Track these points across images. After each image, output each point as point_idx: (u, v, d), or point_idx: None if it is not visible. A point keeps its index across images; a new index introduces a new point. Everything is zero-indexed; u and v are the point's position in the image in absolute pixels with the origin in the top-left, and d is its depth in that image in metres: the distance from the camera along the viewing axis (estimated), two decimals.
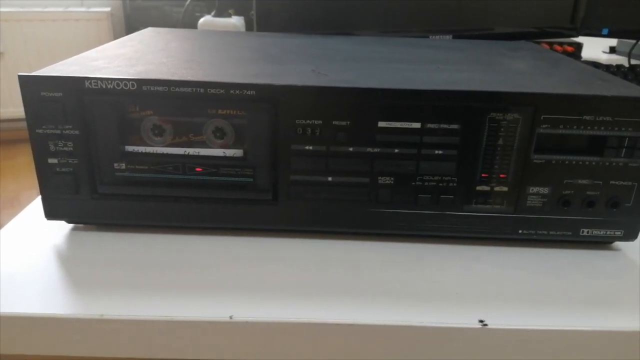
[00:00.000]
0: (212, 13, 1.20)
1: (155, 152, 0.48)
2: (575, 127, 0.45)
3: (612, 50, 1.53)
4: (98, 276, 0.43)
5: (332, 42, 0.68)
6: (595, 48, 1.51)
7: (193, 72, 0.47)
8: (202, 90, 0.44)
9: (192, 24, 1.29)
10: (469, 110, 0.45)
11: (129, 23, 3.02)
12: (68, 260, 0.46)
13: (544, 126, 0.45)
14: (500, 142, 0.45)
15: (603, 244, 0.50)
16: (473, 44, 0.70)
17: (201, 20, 1.20)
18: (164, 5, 2.92)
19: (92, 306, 0.39)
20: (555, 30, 1.13)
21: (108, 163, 0.47)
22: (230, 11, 1.24)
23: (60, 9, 3.07)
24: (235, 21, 1.22)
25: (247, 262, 0.46)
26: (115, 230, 0.50)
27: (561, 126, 0.45)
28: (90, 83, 0.44)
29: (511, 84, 0.47)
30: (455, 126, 0.45)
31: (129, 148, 0.48)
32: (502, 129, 0.45)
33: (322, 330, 0.39)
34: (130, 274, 0.43)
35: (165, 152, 0.48)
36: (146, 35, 0.68)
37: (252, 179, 0.48)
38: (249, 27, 1.24)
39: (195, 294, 0.41)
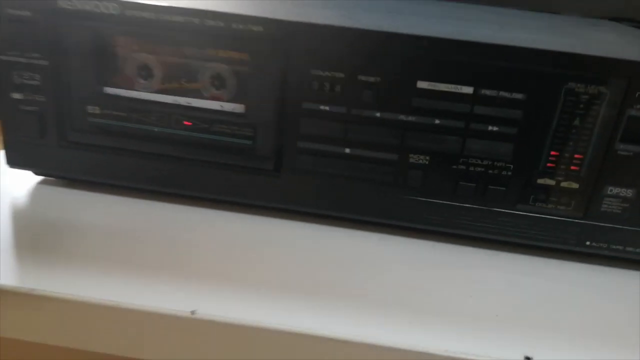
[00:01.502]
0: None
1: (138, 97, 0.39)
2: None
3: None
4: (49, 242, 0.35)
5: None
6: None
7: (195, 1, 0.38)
8: (197, 20, 0.35)
9: None
10: (539, 76, 0.34)
11: None
12: (22, 219, 0.38)
13: (638, 107, 0.33)
14: (577, 122, 0.34)
15: None
16: (544, 15, 0.58)
17: None
18: None
19: (26, 277, 0.31)
20: (635, 24, 0.99)
21: (81, 105, 0.39)
22: None
23: None
24: None
25: (233, 245, 0.36)
26: (85, 189, 0.41)
27: None
28: (64, 1, 0.35)
29: (598, 50, 0.36)
30: (518, 96, 0.34)
31: (108, 90, 0.39)
32: (581, 106, 0.34)
33: (312, 345, 0.29)
34: (87, 244, 0.35)
35: (150, 98, 0.39)
36: None
37: (251, 142, 0.38)
38: None
39: (157, 279, 0.32)
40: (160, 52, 0.38)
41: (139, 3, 0.35)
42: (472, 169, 0.36)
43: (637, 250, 0.37)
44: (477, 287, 0.34)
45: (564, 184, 0.36)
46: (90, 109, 0.39)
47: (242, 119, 0.38)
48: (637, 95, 0.33)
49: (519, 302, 0.34)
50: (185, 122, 0.38)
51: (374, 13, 0.43)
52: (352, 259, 0.36)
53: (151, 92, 0.39)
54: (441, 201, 0.38)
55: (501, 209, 0.37)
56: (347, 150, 0.37)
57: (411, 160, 0.37)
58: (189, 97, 0.39)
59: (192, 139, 0.39)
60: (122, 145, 0.39)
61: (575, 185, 0.36)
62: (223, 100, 0.38)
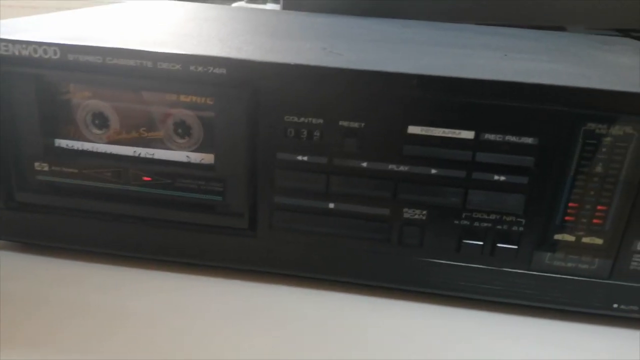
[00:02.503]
0: None
1: (93, 150, 0.34)
2: None
3: None
4: None
5: (365, 22, 0.52)
6: None
7: (145, 39, 0.33)
8: (149, 64, 0.30)
9: None
10: (552, 116, 0.28)
11: None
12: None
13: None
14: (599, 169, 0.29)
15: None
16: (550, 34, 0.53)
17: (234, 5, 1.07)
18: None
19: None
20: None
21: (28, 162, 0.34)
22: None
23: None
24: (270, 8, 1.08)
25: (201, 316, 0.31)
26: (39, 253, 0.36)
27: None
28: (0, 47, 0.31)
29: (619, 82, 0.30)
30: (529, 140, 0.29)
31: (60, 142, 0.34)
32: (604, 150, 0.29)
33: None
34: (35, 314, 0.30)
35: (107, 151, 0.34)
36: (140, 4, 0.55)
37: (221, 197, 0.33)
38: None
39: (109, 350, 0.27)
40: (115, 99, 0.33)
41: (81, 46, 0.30)
42: (477, 224, 0.31)
43: None
44: None
45: (585, 240, 0.31)
46: (38, 165, 0.34)
47: (211, 171, 0.33)
48: None
49: None
50: (144, 178, 0.34)
51: (357, 43, 0.38)
52: (342, 328, 0.31)
53: (107, 144, 0.34)
54: (443, 261, 0.32)
55: (513, 269, 0.32)
56: (331, 205, 0.32)
57: (405, 215, 0.32)
58: (150, 147, 0.34)
59: (154, 197, 0.34)
60: (75, 206, 0.34)
61: (599, 241, 0.31)
62: (189, 150, 0.33)
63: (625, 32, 0.90)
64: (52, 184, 0.34)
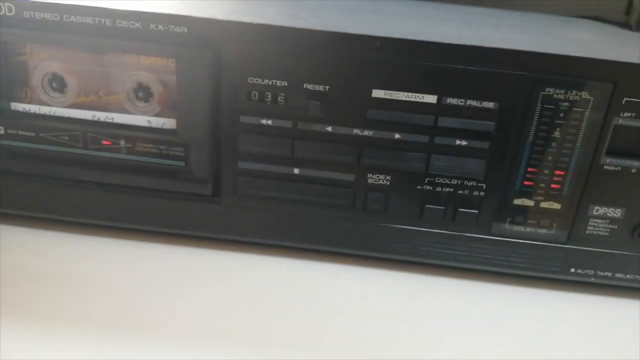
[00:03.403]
0: None
1: (49, 113, 0.33)
2: None
3: None
4: None
5: None
6: None
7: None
8: (108, 21, 0.29)
9: None
10: (512, 81, 0.29)
11: None
12: None
13: (626, 114, 0.29)
14: (557, 134, 0.30)
15: None
16: (515, 13, 0.53)
17: None
18: None
19: None
20: (606, 23, 0.96)
21: None
22: None
23: None
24: None
25: (165, 284, 0.31)
26: None
27: None
28: None
29: (577, 49, 0.31)
30: (489, 105, 0.29)
31: (16, 106, 0.33)
32: (561, 115, 0.29)
33: None
34: None
35: (64, 114, 0.33)
36: None
37: (184, 163, 0.33)
38: None
39: (55, 327, 0.26)
40: (73, 60, 0.32)
41: (37, 2, 0.29)
42: (439, 189, 0.31)
43: (628, 276, 0.33)
44: (449, 328, 0.29)
45: (543, 205, 0.31)
46: None
47: (173, 136, 0.32)
48: (624, 101, 0.29)
49: (498, 344, 0.29)
50: (104, 142, 0.33)
51: (325, 11, 0.38)
52: (306, 295, 0.31)
53: (65, 107, 0.33)
54: (406, 226, 0.33)
55: (474, 234, 0.32)
56: (296, 171, 0.32)
57: (370, 180, 0.32)
58: (110, 111, 0.33)
59: (114, 161, 0.33)
60: (32, 170, 0.33)
61: (556, 206, 0.31)
62: (150, 115, 0.33)
63: (594, 20, 0.93)
64: (7, 148, 0.33)
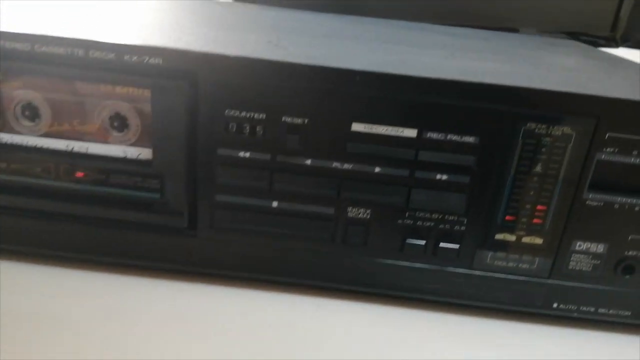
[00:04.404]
0: None
1: (21, 143, 0.32)
2: None
3: None
4: None
5: (323, 18, 0.52)
6: None
7: (80, 25, 0.31)
8: (80, 52, 0.28)
9: None
10: (494, 116, 0.28)
11: None
12: None
13: (608, 150, 0.29)
14: (539, 168, 0.29)
15: None
16: (500, 35, 0.53)
17: None
18: None
19: None
20: (591, 38, 0.97)
21: None
22: None
23: None
24: (223, 0, 1.07)
25: (137, 320, 0.30)
26: None
27: (635, 152, 0.29)
28: None
29: (561, 83, 0.31)
30: (470, 139, 0.29)
31: None
32: (543, 150, 0.29)
33: None
34: None
35: (37, 144, 0.32)
36: None
37: (159, 195, 0.32)
38: None
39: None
40: (47, 89, 0.31)
41: (8, 32, 0.28)
42: (420, 223, 0.31)
43: (611, 311, 0.32)
44: None
45: (526, 240, 0.31)
46: None
47: (148, 167, 0.32)
48: (607, 136, 0.28)
49: None
50: (78, 174, 0.32)
51: (305, 38, 0.37)
52: (285, 329, 0.30)
53: (38, 136, 0.32)
54: (387, 260, 0.32)
55: (455, 268, 0.32)
56: (274, 204, 0.31)
57: (350, 214, 0.31)
58: (84, 141, 0.32)
59: (88, 193, 0.32)
60: (3, 203, 0.32)
61: (538, 241, 0.31)
62: (126, 145, 0.32)
63: (574, 35, 0.94)
64: None
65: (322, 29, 0.44)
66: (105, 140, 0.32)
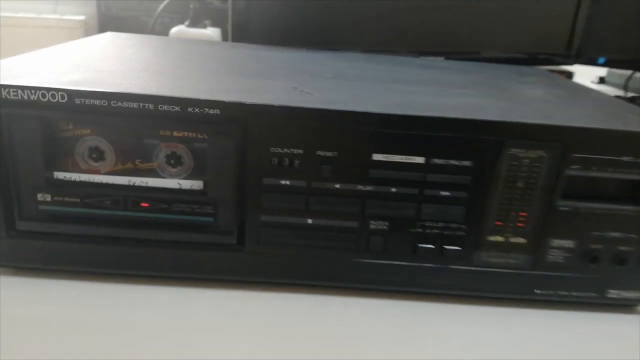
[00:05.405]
0: (186, 23, 1.11)
1: (90, 180, 0.38)
2: (610, 169, 0.37)
3: (602, 80, 1.48)
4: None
5: (317, 57, 0.59)
6: (585, 78, 1.46)
7: (144, 83, 0.38)
8: (151, 106, 0.35)
9: (164, 35, 1.20)
10: (484, 144, 0.36)
11: (103, 32, 2.90)
12: None
13: (574, 167, 0.37)
14: (520, 184, 0.37)
15: (631, 306, 0.42)
16: (474, 66, 0.62)
17: (173, 29, 1.11)
18: (141, 15, 2.81)
19: None
20: (549, 56, 1.07)
21: (30, 193, 0.37)
22: (206, 22, 1.15)
23: (32, 15, 2.93)
24: (211, 32, 1.13)
25: (201, 323, 0.36)
26: (36, 276, 0.39)
27: (594, 168, 0.37)
28: (8, 92, 0.34)
29: (534, 114, 0.39)
30: (466, 163, 0.36)
31: (58, 175, 0.38)
32: (523, 169, 0.37)
33: None
34: (44, 335, 0.33)
35: (103, 181, 0.38)
36: (103, 39, 0.58)
37: (213, 219, 0.38)
38: (226, 39, 1.16)
39: None
40: (113, 135, 0.37)
41: (87, 91, 0.34)
42: (428, 231, 0.38)
43: (582, 294, 0.40)
44: (440, 344, 0.36)
45: (512, 240, 0.39)
46: (40, 196, 0.37)
47: (202, 196, 0.38)
48: (573, 156, 0.36)
49: (481, 356, 0.35)
50: (143, 204, 0.38)
51: (320, 80, 0.45)
52: (319, 323, 0.37)
53: (103, 174, 0.38)
54: (402, 263, 0.39)
55: (458, 265, 0.39)
56: (310, 221, 0.38)
57: (371, 226, 0.38)
58: (144, 176, 0.38)
59: (151, 220, 0.38)
60: (77, 232, 0.38)
61: (523, 240, 0.39)
62: (181, 178, 0.38)
63: (533, 55, 1.03)
64: (53, 213, 0.38)
65: (326, 70, 0.51)
66: (162, 175, 0.38)
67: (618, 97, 0.98)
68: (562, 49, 1.05)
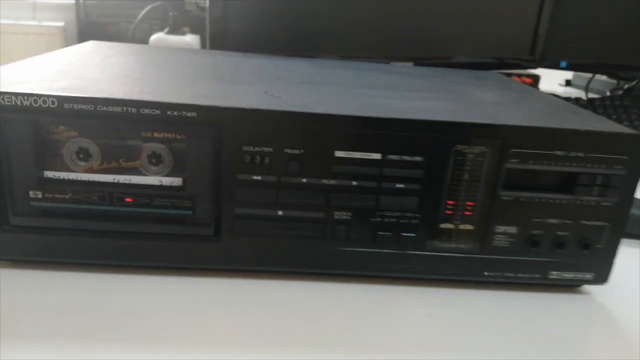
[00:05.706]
0: (165, 30, 1.15)
1: (78, 179, 0.42)
2: (546, 162, 0.41)
3: (568, 83, 1.55)
4: None
5: (290, 64, 0.63)
6: (552, 81, 1.53)
7: (127, 89, 0.41)
8: (134, 110, 0.38)
9: (144, 42, 1.23)
10: (433, 141, 0.41)
11: (83, 39, 2.90)
12: None
13: (513, 161, 0.41)
14: (466, 176, 0.42)
15: (572, 287, 0.47)
16: (437, 71, 0.67)
17: (153, 37, 1.14)
18: (120, 22, 2.82)
19: None
20: (515, 61, 1.12)
21: (22, 190, 0.41)
22: (185, 29, 1.19)
23: (10, 22, 2.92)
24: (190, 39, 1.16)
25: (182, 308, 0.40)
26: (29, 268, 0.43)
27: (531, 161, 0.41)
28: (3, 99, 0.38)
29: (479, 115, 0.43)
30: (418, 158, 0.41)
31: (48, 174, 0.41)
32: (469, 163, 0.41)
33: None
34: (39, 320, 0.37)
35: (90, 179, 0.42)
36: (85, 48, 0.62)
37: (191, 212, 0.42)
38: (205, 47, 1.20)
39: (113, 346, 0.35)
40: (99, 137, 0.41)
41: (75, 97, 0.38)
42: (387, 220, 0.42)
43: (526, 275, 0.45)
44: (399, 322, 0.40)
45: (461, 227, 0.43)
46: (32, 193, 0.41)
47: (181, 191, 0.42)
48: (511, 151, 0.41)
49: (435, 331, 0.40)
50: (127, 199, 0.42)
51: (289, 85, 0.49)
52: (290, 306, 0.41)
53: (90, 173, 0.42)
54: (364, 249, 0.43)
55: (413, 251, 0.43)
56: (280, 213, 0.42)
57: (336, 217, 0.42)
58: (127, 174, 0.42)
59: (135, 214, 0.42)
60: (66, 226, 0.41)
61: (470, 227, 0.43)
62: (161, 176, 0.42)
63: (500, 59, 1.09)
64: (44, 209, 0.41)
65: (296, 75, 0.55)
66: (144, 173, 0.42)
67: (578, 98, 1.04)
68: (526, 54, 1.11)
